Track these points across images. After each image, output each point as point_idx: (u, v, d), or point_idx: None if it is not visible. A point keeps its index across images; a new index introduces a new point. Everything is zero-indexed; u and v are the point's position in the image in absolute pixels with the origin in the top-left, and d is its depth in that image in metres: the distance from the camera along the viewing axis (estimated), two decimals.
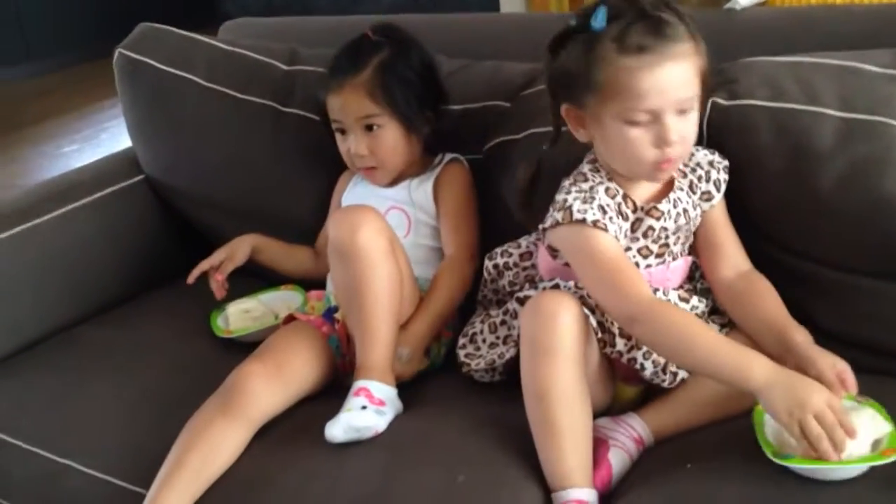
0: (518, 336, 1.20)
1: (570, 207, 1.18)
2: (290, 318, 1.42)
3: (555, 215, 1.20)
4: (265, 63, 1.71)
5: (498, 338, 1.31)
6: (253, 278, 1.63)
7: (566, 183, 1.24)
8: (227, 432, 1.21)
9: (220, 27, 1.97)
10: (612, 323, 1.20)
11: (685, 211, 1.25)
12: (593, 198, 1.19)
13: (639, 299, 1.13)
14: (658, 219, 1.22)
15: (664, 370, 1.20)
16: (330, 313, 1.40)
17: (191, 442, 1.19)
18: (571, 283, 1.24)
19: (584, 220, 1.16)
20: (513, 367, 1.21)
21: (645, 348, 1.19)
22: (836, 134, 1.23)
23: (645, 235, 1.23)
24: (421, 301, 1.39)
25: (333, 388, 1.32)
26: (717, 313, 1.30)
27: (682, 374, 1.22)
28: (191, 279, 1.54)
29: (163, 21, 1.83)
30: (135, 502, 1.18)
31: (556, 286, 1.26)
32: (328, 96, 1.48)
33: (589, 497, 1.11)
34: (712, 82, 1.22)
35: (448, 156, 1.52)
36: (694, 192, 1.26)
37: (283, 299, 1.57)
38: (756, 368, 1.05)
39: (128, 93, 1.77)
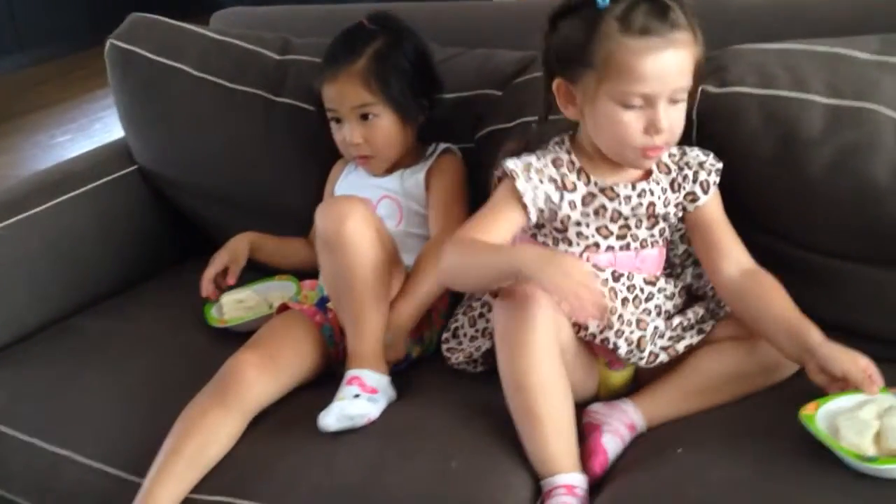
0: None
1: (505, 162, 1.22)
2: (284, 308, 1.43)
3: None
4: (257, 53, 1.70)
5: (477, 331, 1.31)
6: (246, 269, 1.62)
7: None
8: (222, 421, 1.21)
9: (212, 17, 1.96)
10: None
11: (651, 204, 1.24)
12: (529, 160, 1.22)
13: (459, 236, 1.20)
14: (612, 199, 1.22)
15: (639, 347, 1.20)
16: (323, 302, 1.41)
17: (186, 431, 1.20)
18: None
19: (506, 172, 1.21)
20: (493, 357, 1.20)
21: (616, 327, 1.19)
22: (824, 120, 1.24)
23: (597, 213, 1.22)
24: (403, 285, 1.38)
25: (327, 377, 1.32)
26: (716, 315, 1.29)
27: (662, 356, 1.22)
28: (204, 292, 1.55)
29: (154, 11, 1.82)
30: (131, 491, 1.19)
31: None
32: (323, 85, 1.47)
33: (576, 481, 1.12)
34: (703, 74, 1.21)
35: (442, 146, 1.52)
36: (675, 191, 1.25)
37: (276, 289, 1.58)
38: (525, 257, 1.11)
39: (119, 83, 1.77)
